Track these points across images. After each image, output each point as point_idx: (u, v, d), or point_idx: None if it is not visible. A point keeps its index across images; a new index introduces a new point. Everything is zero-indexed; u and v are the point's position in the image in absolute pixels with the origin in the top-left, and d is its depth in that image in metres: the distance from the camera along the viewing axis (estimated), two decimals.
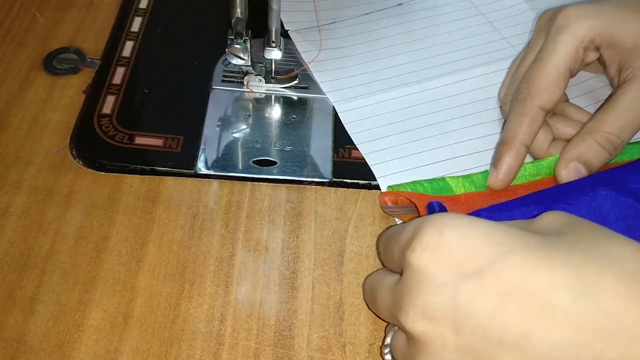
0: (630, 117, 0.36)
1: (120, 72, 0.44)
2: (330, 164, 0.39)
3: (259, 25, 0.41)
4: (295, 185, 0.39)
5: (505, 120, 0.39)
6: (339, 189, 0.39)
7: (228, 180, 0.39)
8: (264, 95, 0.43)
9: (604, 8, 0.37)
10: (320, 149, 0.40)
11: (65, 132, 0.40)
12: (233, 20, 0.40)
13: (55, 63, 0.44)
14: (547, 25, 0.39)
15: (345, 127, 0.41)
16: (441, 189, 0.37)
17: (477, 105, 0.43)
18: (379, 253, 0.35)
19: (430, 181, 0.37)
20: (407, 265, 0.26)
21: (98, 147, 0.39)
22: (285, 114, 0.42)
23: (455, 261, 0.25)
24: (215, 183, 0.38)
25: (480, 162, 0.40)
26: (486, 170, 0.38)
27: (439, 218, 0.26)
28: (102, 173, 0.38)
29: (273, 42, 0.42)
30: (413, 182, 0.37)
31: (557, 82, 0.37)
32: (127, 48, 0.45)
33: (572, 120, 0.39)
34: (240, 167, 0.39)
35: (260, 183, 0.39)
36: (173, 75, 0.44)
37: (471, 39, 0.48)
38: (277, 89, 0.43)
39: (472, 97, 0.44)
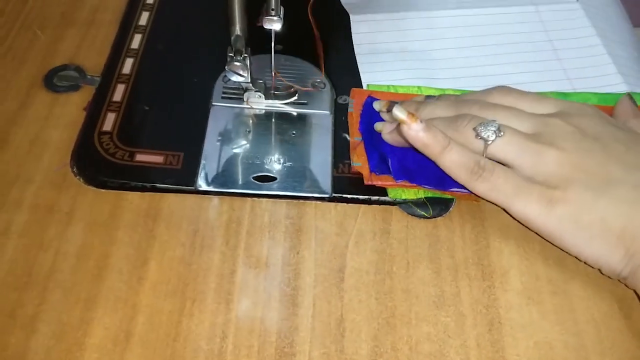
0: None
1: (120, 89, 0.44)
2: (330, 179, 0.39)
3: (259, 42, 0.42)
4: (295, 201, 0.39)
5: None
6: (339, 204, 0.39)
7: (228, 197, 0.39)
8: (263, 111, 0.43)
9: None
10: (320, 165, 0.40)
11: (66, 149, 0.41)
12: (232, 38, 0.40)
13: (56, 80, 0.45)
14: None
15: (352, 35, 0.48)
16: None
17: (476, 38, 0.49)
18: None
19: (406, 87, 0.44)
20: None
21: (99, 164, 0.39)
22: (284, 129, 0.42)
23: None
24: (215, 199, 0.39)
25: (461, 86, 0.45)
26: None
27: None
28: (103, 190, 0.39)
29: (272, 9, 0.38)
30: (389, 85, 0.44)
31: None
32: (127, 65, 0.45)
33: None
34: (240, 183, 0.39)
35: (261, 199, 0.39)
36: (173, 92, 0.44)
37: None
38: (277, 105, 0.43)
39: (473, 31, 0.50)
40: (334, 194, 0.39)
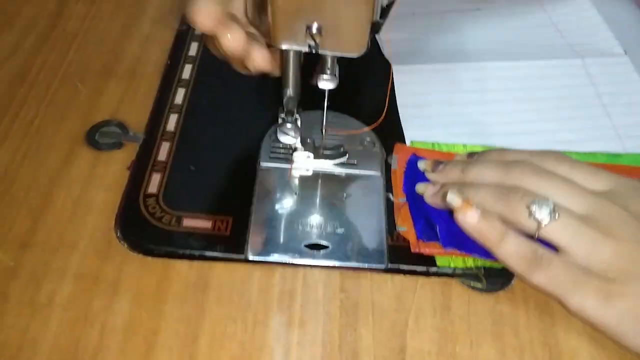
0: None
1: (165, 147, 0.43)
2: (385, 248, 0.38)
3: (306, 99, 0.40)
4: (349, 272, 0.37)
5: None
6: (395, 275, 0.37)
7: (279, 266, 0.37)
8: (312, 172, 0.42)
9: None
10: (374, 231, 0.39)
11: (110, 212, 0.39)
12: (285, 99, 0.39)
13: (98, 137, 0.43)
14: None
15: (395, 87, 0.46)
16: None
17: (523, 91, 0.48)
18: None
19: (450, 145, 0.43)
20: None
21: (145, 229, 0.38)
22: (334, 192, 0.41)
23: None
24: (266, 269, 0.37)
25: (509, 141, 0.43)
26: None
27: None
28: (150, 258, 0.37)
29: (328, 69, 0.36)
30: (433, 143, 0.43)
31: None
32: (172, 122, 0.44)
33: None
34: (291, 252, 0.37)
35: (313, 269, 0.37)
36: (219, 151, 0.43)
37: (534, 40, 0.53)
38: (326, 165, 0.42)
39: (520, 84, 0.49)
40: (389, 265, 0.37)
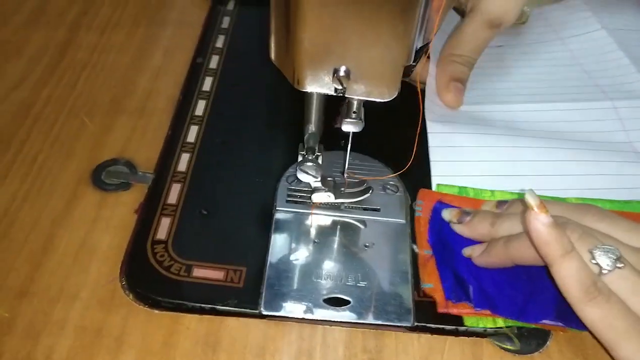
0: (475, 43, 0.47)
1: (175, 189, 0.40)
2: (411, 304, 0.35)
3: (331, 139, 0.38)
4: (372, 330, 0.34)
5: None
6: (422, 334, 0.34)
7: (297, 322, 0.34)
8: (332, 219, 0.39)
9: None
10: (398, 285, 0.36)
11: (116, 259, 0.37)
12: (306, 136, 0.37)
13: (105, 177, 0.41)
14: None
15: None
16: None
17: (553, 134, 0.46)
18: None
19: (478, 191, 0.41)
20: None
21: (152, 279, 0.35)
22: (356, 241, 0.38)
23: None
24: (282, 326, 0.34)
25: (539, 185, 0.40)
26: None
27: None
28: (157, 311, 0.34)
29: (354, 112, 0.34)
30: (460, 187, 0.41)
31: None
32: (183, 161, 0.42)
33: None
34: (309, 307, 0.34)
35: (333, 326, 0.34)
36: (233, 194, 0.40)
37: (562, 80, 0.51)
38: (348, 204, 0.39)
39: (550, 127, 0.46)
40: (416, 323, 0.34)
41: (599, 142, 0.46)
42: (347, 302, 0.35)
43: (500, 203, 0.38)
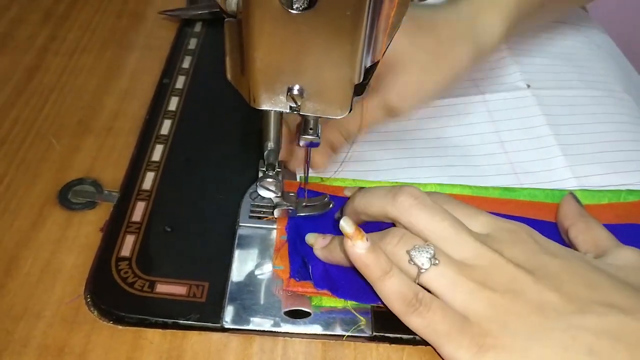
0: (364, 121, 0.43)
1: (140, 207, 0.41)
2: (370, 315, 0.36)
3: None
4: (331, 341, 0.35)
5: None
6: (381, 344, 0.35)
7: (258, 335, 0.35)
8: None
9: None
10: None
11: (80, 277, 0.37)
12: (265, 153, 0.38)
13: (71, 196, 0.42)
14: None
15: None
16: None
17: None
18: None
19: (341, 180, 0.43)
20: None
21: (116, 296, 0.36)
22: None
23: None
24: (244, 339, 0.35)
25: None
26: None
27: None
28: (120, 327, 0.35)
29: (311, 129, 0.36)
30: (322, 177, 0.43)
31: None
32: (148, 180, 0.43)
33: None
34: (270, 320, 0.35)
35: (294, 338, 0.35)
36: (197, 211, 0.41)
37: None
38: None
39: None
40: (374, 333, 0.35)
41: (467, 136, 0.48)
42: (308, 314, 0.36)
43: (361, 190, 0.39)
